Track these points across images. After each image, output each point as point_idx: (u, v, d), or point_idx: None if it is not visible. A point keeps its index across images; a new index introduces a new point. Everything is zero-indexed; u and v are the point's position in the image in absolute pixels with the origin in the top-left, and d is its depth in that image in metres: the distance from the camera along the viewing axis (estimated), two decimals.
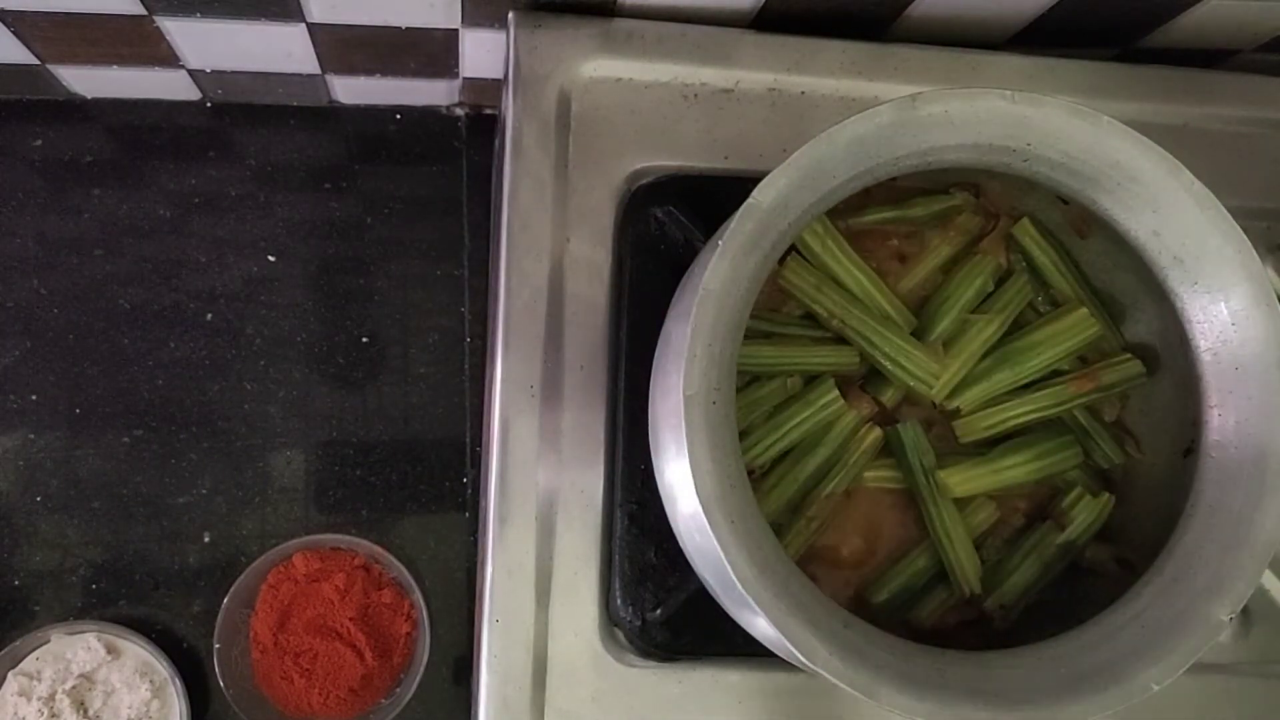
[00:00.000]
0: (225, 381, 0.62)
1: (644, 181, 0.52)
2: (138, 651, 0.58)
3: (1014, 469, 0.47)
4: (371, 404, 0.63)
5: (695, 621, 0.48)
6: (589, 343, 0.50)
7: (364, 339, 0.64)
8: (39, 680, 0.56)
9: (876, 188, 0.46)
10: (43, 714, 0.55)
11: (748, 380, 0.47)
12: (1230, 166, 0.56)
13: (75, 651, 0.57)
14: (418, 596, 0.59)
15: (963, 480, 0.46)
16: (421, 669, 0.58)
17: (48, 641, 0.57)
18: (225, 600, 0.57)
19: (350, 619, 0.57)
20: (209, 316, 0.63)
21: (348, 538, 0.60)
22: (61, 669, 0.57)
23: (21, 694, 0.56)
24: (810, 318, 0.47)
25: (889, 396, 0.47)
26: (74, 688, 0.56)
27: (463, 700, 0.61)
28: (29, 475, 0.61)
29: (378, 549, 0.59)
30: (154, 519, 0.61)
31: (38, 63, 0.59)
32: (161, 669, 0.57)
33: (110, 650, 0.57)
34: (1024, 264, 0.49)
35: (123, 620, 0.58)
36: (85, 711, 0.56)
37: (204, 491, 0.61)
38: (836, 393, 0.46)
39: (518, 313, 0.49)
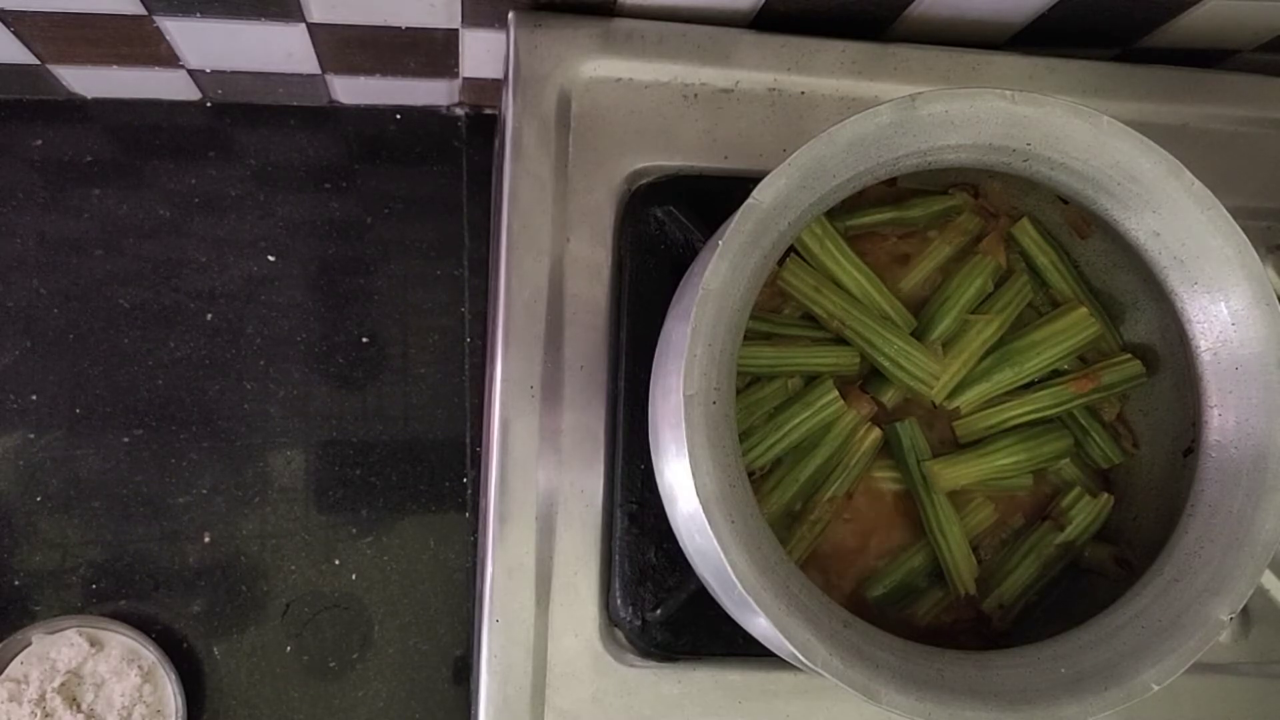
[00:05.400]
0: (225, 381, 0.62)
1: (644, 181, 0.52)
2: (122, 640, 0.58)
3: (1003, 458, 0.47)
4: (371, 404, 0.63)
5: (695, 621, 0.48)
6: (589, 343, 0.50)
7: (364, 339, 0.64)
8: (27, 684, 0.56)
9: (875, 188, 0.46)
10: (35, 715, 0.55)
11: (748, 381, 0.47)
12: (1230, 166, 0.56)
13: (59, 649, 0.57)
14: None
15: (950, 470, 0.46)
16: None
17: (29, 644, 0.57)
18: None
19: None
20: (209, 316, 0.63)
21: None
22: (48, 668, 0.57)
23: (12, 699, 0.56)
24: (810, 318, 0.47)
25: (889, 397, 0.47)
26: (63, 685, 0.56)
27: (463, 700, 0.61)
28: (29, 475, 0.61)
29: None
30: (154, 519, 0.61)
31: (38, 63, 0.59)
32: (148, 653, 0.57)
33: (94, 643, 0.57)
34: (1024, 264, 0.49)
35: (123, 620, 0.58)
36: (78, 707, 0.56)
37: (204, 491, 0.61)
38: (836, 393, 0.46)
39: (518, 313, 0.49)
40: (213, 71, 0.60)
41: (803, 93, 0.53)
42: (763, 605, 0.36)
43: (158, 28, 0.55)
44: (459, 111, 0.66)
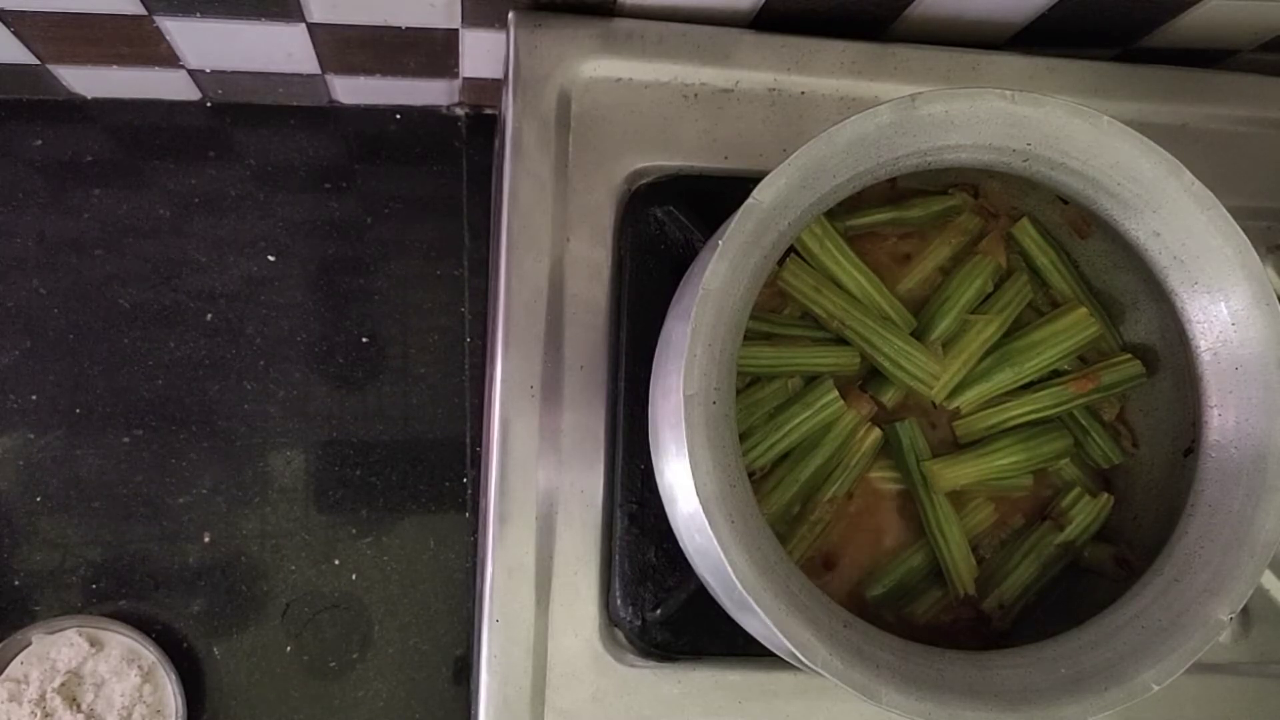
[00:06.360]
0: (225, 381, 0.62)
1: (644, 181, 0.52)
2: (121, 640, 0.58)
3: (1003, 458, 0.47)
4: (371, 404, 0.63)
5: (695, 621, 0.48)
6: (589, 343, 0.50)
7: (364, 339, 0.64)
8: (27, 684, 0.56)
9: (875, 188, 0.46)
10: (35, 715, 0.55)
11: (748, 382, 0.47)
12: (1230, 166, 0.56)
13: (59, 650, 0.57)
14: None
15: (950, 470, 0.46)
16: None
17: (29, 644, 0.57)
18: None
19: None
20: (209, 316, 0.63)
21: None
22: (48, 669, 0.57)
23: (12, 699, 0.56)
24: (810, 318, 0.47)
25: (889, 397, 0.47)
26: (63, 685, 0.56)
27: (463, 700, 0.61)
28: (29, 475, 0.60)
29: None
30: (154, 519, 0.61)
31: (38, 63, 0.59)
32: (148, 653, 0.57)
33: (93, 643, 0.57)
34: (1024, 264, 0.49)
35: (123, 620, 0.58)
36: (78, 707, 0.56)
37: (204, 491, 0.61)
38: (836, 393, 0.46)
39: (518, 313, 0.49)
40: (213, 71, 0.60)
41: (803, 93, 0.53)
42: (763, 605, 0.36)
43: (158, 28, 0.55)
44: (459, 111, 0.67)
